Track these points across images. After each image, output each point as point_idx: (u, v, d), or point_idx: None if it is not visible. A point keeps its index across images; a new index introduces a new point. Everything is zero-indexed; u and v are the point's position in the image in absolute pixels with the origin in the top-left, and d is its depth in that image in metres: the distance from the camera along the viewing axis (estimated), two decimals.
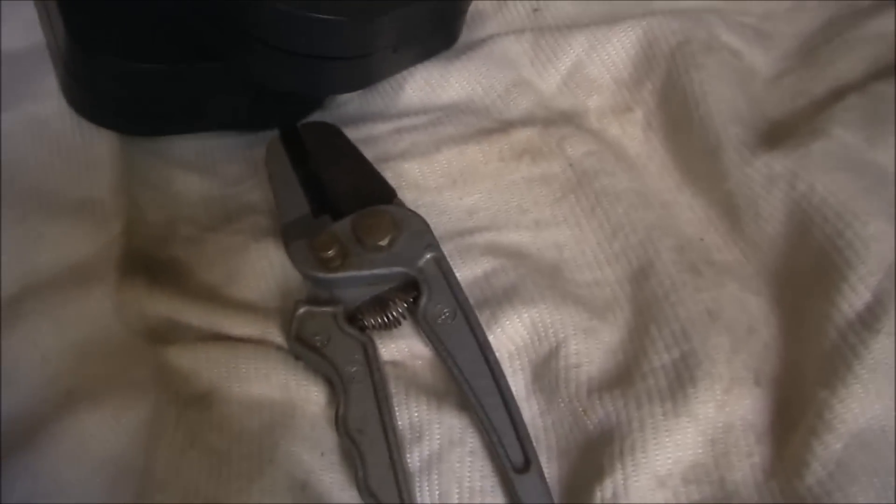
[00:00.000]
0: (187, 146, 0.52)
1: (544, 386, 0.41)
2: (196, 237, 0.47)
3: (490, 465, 0.39)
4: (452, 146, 0.50)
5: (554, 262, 0.46)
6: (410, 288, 0.42)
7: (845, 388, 0.37)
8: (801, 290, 0.42)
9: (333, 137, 0.49)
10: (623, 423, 0.39)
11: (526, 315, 0.42)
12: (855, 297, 0.39)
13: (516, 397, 0.40)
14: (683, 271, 0.44)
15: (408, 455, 0.39)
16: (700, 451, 0.38)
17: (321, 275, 0.42)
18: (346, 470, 0.39)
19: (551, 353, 0.42)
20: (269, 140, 0.48)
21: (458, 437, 0.39)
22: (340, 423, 0.39)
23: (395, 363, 0.42)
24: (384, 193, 0.46)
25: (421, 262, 0.42)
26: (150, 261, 0.46)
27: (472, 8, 0.54)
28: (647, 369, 0.40)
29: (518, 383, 0.41)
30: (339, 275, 0.42)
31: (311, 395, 0.40)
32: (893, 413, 0.37)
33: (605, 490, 0.37)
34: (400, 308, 0.42)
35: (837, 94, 0.49)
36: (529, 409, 0.41)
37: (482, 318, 0.42)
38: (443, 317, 0.41)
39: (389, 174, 0.48)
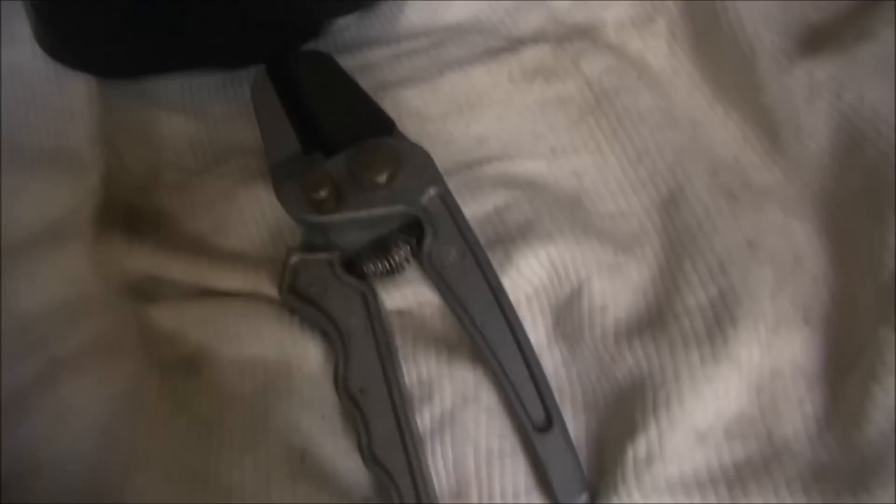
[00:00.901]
0: (171, 86, 0.48)
1: (567, 332, 0.37)
2: (181, 184, 0.44)
3: (508, 423, 0.35)
4: (457, 69, 0.45)
5: (573, 193, 0.42)
6: (413, 228, 0.38)
7: None
8: (851, 213, 0.38)
9: (326, 67, 0.45)
10: (656, 371, 0.35)
11: (543, 253, 0.38)
12: None
13: (535, 346, 0.36)
14: (718, 196, 0.40)
15: (417, 416, 0.35)
16: (744, 401, 0.35)
17: (314, 218, 0.38)
18: (350, 434, 0.35)
19: (573, 294, 0.38)
20: (255, 72, 0.44)
21: (471, 393, 0.36)
22: (340, 383, 0.35)
23: (400, 312, 0.38)
24: (382, 125, 0.42)
25: (424, 200, 0.38)
26: (131, 213, 0.43)
27: None
28: (681, 309, 0.36)
29: (538, 330, 0.38)
30: (335, 217, 0.38)
31: (308, 353, 0.37)
32: None
33: (638, 448, 0.33)
34: (403, 251, 0.38)
35: None
36: (551, 359, 0.37)
37: (495, 258, 0.37)
38: (450, 259, 0.37)
39: (388, 104, 0.44)
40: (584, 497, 0.33)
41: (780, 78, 0.42)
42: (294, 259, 0.37)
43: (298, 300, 0.37)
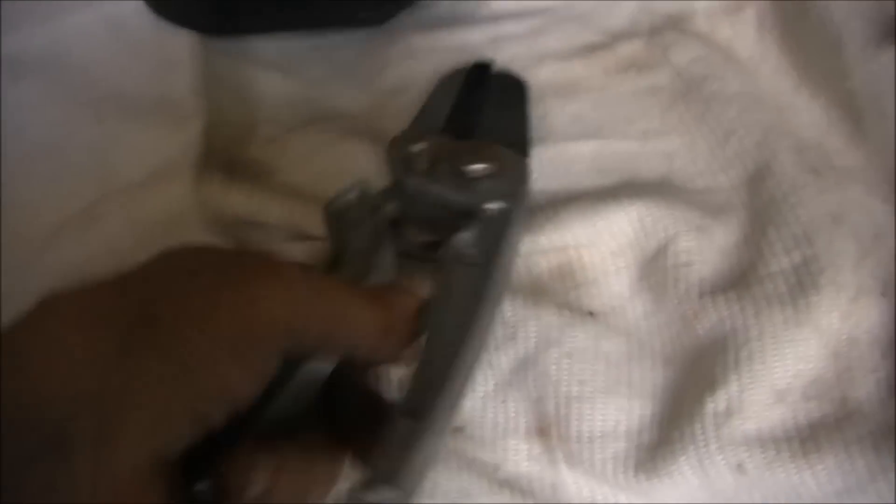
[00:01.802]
0: (269, 46, 0.49)
1: (651, 285, 0.38)
2: (278, 138, 0.45)
3: (589, 368, 0.36)
4: (555, 61, 0.47)
5: (663, 173, 0.43)
6: (463, 220, 0.36)
7: None
8: None
9: (515, 94, 0.45)
10: (739, 329, 0.35)
11: (633, 209, 0.39)
12: None
13: (618, 298, 0.37)
14: (804, 172, 0.40)
15: (501, 354, 0.36)
16: (822, 364, 0.35)
17: (398, 166, 0.37)
18: None
19: (659, 250, 0.38)
20: (454, 69, 0.45)
21: (555, 336, 0.36)
22: None
23: None
24: (519, 146, 0.41)
25: (491, 206, 0.36)
26: (229, 162, 0.44)
27: None
28: (765, 273, 0.37)
29: (621, 283, 0.38)
30: (410, 177, 0.37)
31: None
32: None
33: (718, 401, 0.34)
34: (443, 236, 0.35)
35: None
36: (633, 311, 0.38)
37: (584, 203, 0.39)
38: (468, 257, 0.34)
39: None
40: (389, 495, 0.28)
41: (866, 65, 0.42)
42: (359, 182, 0.36)
43: (335, 220, 0.35)
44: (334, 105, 0.46)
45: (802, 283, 0.36)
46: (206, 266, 0.26)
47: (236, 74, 0.47)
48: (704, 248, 0.38)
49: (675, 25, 0.48)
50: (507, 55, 0.47)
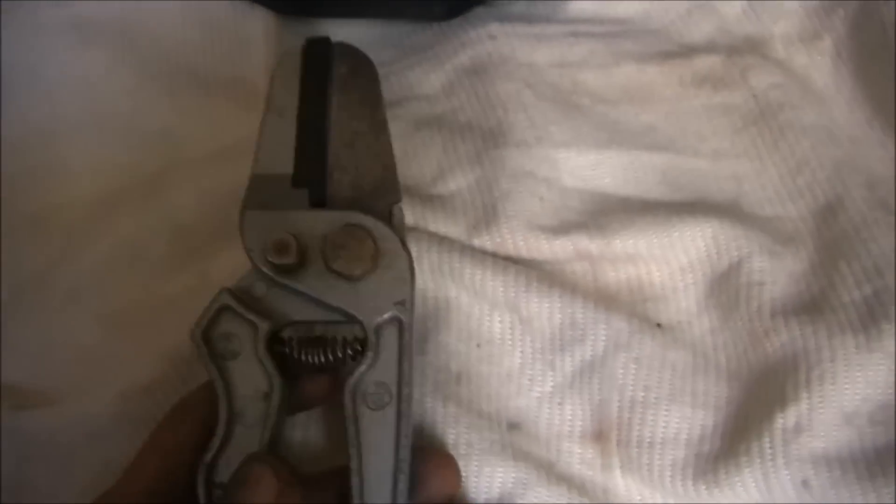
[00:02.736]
0: (341, 31, 0.48)
1: (721, 302, 0.38)
2: None
3: (656, 376, 0.36)
4: (632, 63, 0.47)
5: (733, 195, 0.43)
6: (357, 339, 0.33)
7: None
8: None
9: (365, 78, 0.38)
10: (811, 350, 0.35)
11: (707, 226, 0.39)
12: None
13: (687, 312, 0.37)
14: (875, 208, 0.40)
15: (568, 356, 0.36)
16: (890, 391, 0.35)
17: (267, 270, 0.32)
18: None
19: (731, 268, 0.39)
20: (284, 51, 0.38)
21: (624, 341, 0.37)
22: (203, 470, 0.31)
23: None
24: (388, 194, 0.36)
25: (381, 320, 0.32)
26: None
27: None
28: (837, 303, 0.37)
29: (689, 298, 0.39)
30: (287, 282, 0.32)
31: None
32: None
33: (788, 418, 0.34)
34: (341, 354, 0.33)
35: None
36: (699, 326, 0.38)
37: (659, 214, 0.39)
38: (373, 399, 0.32)
39: (567, 81, 0.45)
40: None
41: None
42: (223, 300, 0.32)
43: (207, 348, 0.32)
44: (411, 90, 0.46)
45: (873, 313, 0.36)
46: None
47: None
48: (777, 269, 0.39)
49: (753, 49, 0.48)
50: (584, 50, 0.47)
